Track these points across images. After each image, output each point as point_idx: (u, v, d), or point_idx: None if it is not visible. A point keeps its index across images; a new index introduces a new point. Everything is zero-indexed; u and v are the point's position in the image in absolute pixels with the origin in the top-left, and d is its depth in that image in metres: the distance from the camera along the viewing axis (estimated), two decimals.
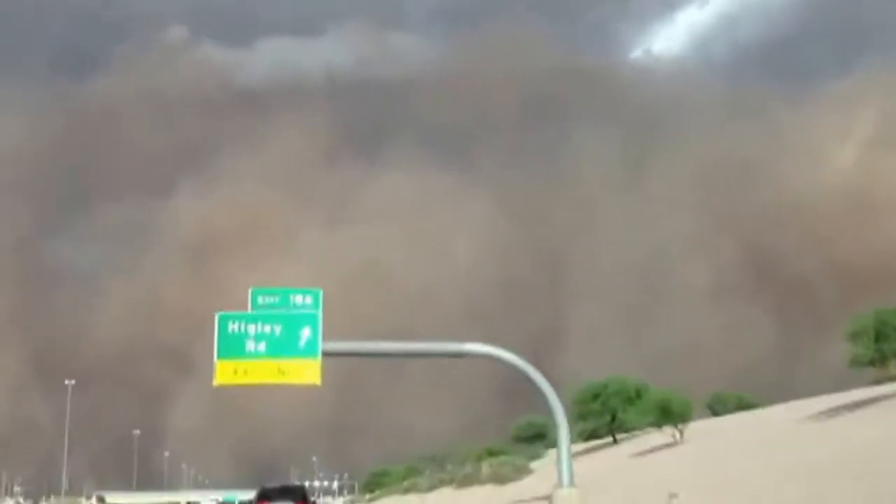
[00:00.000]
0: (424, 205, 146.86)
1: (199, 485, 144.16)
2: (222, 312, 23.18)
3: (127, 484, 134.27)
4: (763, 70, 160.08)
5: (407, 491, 53.34)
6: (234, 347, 22.98)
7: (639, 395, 41.34)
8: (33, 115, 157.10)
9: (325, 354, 22.72)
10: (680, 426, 34.49)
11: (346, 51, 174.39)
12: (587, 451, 42.90)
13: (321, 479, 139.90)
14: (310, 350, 22.81)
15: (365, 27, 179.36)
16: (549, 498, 21.60)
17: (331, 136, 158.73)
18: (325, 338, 22.87)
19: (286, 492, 32.52)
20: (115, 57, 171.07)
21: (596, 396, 43.21)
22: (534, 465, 42.65)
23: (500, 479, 40.04)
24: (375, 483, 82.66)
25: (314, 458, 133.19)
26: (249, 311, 24.07)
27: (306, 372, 22.86)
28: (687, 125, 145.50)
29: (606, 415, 43.48)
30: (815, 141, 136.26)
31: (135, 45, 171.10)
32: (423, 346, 28.65)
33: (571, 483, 21.71)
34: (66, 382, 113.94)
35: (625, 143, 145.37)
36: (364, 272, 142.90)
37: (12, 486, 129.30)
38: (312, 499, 39.65)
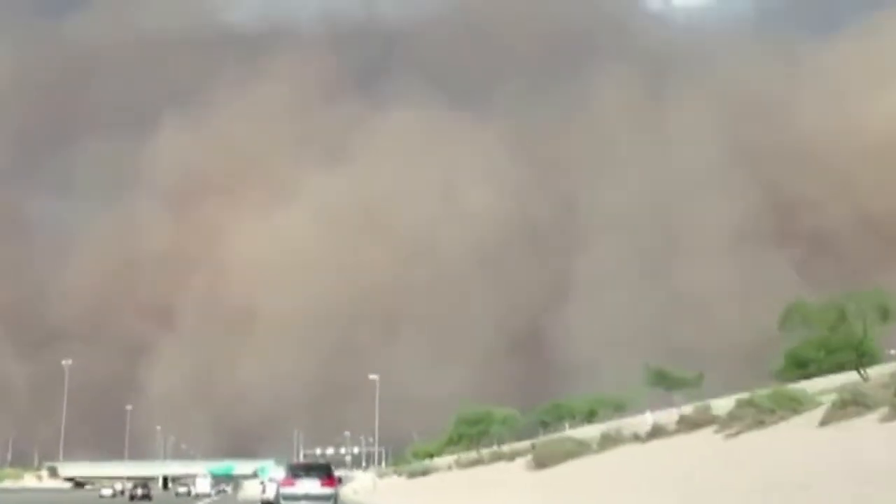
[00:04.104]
0: (431, 145, 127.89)
1: (181, 454, 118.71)
2: None
3: (96, 452, 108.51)
4: (787, 21, 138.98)
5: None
6: None
7: None
8: (7, 54, 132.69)
9: None
10: None
11: None
12: None
13: (340, 446, 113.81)
14: None
15: None
16: None
17: (330, 74, 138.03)
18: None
19: (312, 469, 30.55)
20: None
21: None
22: None
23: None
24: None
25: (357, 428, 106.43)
26: None
27: None
28: (707, 67, 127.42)
29: None
30: (843, 88, 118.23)
31: None
32: None
33: None
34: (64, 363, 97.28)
35: (643, 83, 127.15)
36: (366, 216, 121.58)
37: None
38: (338, 474, 35.27)
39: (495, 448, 43.38)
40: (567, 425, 43.97)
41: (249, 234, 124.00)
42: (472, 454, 46.58)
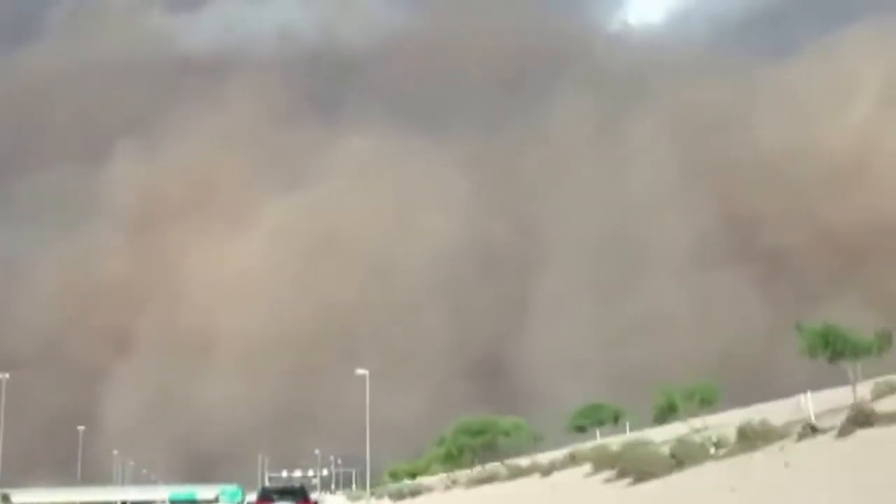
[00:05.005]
0: (388, 170, 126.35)
1: (141, 479, 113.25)
2: None
3: (52, 479, 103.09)
4: (741, 43, 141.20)
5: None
6: None
7: None
8: None
9: None
10: None
11: (304, 12, 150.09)
12: None
13: (306, 469, 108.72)
14: None
15: None
16: None
17: (287, 99, 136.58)
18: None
19: (287, 492, 28.59)
20: (51, 21, 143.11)
21: None
22: None
23: None
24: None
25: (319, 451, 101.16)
26: None
27: None
28: (664, 90, 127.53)
29: None
30: (799, 108, 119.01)
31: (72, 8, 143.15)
32: None
33: None
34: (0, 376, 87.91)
35: (599, 107, 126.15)
36: (324, 241, 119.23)
37: None
38: (313, 497, 35.96)
39: (507, 461, 39.49)
40: (598, 432, 41.36)
41: (207, 259, 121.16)
42: (469, 470, 42.92)
